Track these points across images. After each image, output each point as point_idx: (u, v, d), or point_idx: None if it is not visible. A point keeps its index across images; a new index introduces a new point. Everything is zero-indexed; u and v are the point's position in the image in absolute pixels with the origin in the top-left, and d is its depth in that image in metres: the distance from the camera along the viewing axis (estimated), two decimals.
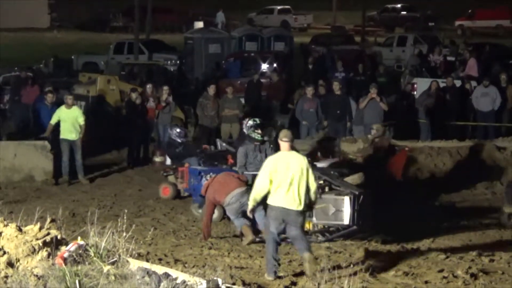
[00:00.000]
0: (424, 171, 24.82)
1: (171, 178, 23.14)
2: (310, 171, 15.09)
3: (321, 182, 18.24)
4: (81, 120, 25.21)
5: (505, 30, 64.97)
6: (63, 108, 25.25)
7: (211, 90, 28.90)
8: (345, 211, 17.81)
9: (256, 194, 15.07)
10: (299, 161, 15.10)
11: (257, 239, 17.68)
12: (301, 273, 14.72)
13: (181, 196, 22.70)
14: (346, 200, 17.86)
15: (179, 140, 22.93)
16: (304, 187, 14.94)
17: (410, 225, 18.98)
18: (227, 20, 63.76)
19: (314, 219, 17.96)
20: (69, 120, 25.12)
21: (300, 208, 14.97)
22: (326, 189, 18.25)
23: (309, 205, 15.34)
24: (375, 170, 22.07)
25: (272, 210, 15.08)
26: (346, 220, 17.80)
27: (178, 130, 23.50)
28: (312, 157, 21.22)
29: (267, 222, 15.46)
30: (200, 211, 20.04)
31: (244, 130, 21.12)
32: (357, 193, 18.02)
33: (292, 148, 15.48)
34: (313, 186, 15.16)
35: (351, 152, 24.33)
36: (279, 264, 15.09)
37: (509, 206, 20.26)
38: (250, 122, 20.20)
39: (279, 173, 14.90)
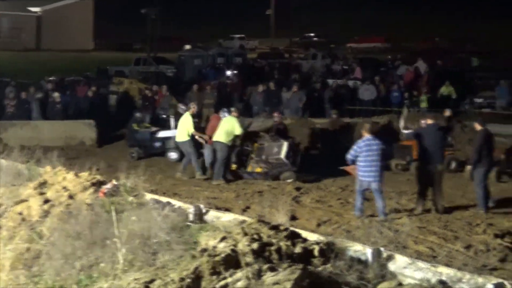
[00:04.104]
0: None
1: None
2: (236, 124, 18.24)
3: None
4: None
5: (378, 49, 65.33)
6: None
7: (195, 88, 29.53)
8: (283, 150, 18.55)
9: None
10: (230, 120, 18.42)
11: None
12: (253, 202, 14.76)
13: None
14: (285, 144, 18.73)
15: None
16: (231, 132, 18.20)
17: (320, 171, 19.02)
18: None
19: (263, 156, 18.63)
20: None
21: (224, 141, 18.07)
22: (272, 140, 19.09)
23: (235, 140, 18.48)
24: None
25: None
26: (282, 155, 18.49)
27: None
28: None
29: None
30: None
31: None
32: (290, 141, 19.06)
33: (237, 116, 18.72)
34: (237, 131, 18.30)
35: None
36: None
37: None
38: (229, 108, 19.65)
39: (221, 124, 18.40)
